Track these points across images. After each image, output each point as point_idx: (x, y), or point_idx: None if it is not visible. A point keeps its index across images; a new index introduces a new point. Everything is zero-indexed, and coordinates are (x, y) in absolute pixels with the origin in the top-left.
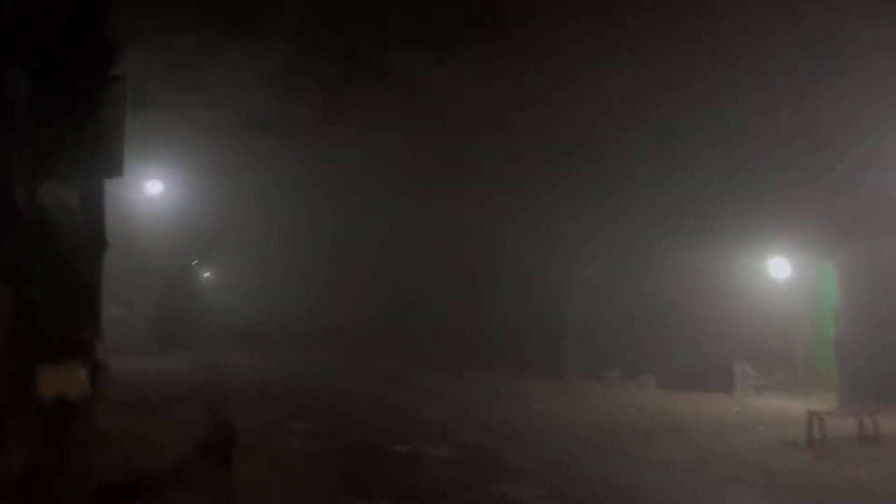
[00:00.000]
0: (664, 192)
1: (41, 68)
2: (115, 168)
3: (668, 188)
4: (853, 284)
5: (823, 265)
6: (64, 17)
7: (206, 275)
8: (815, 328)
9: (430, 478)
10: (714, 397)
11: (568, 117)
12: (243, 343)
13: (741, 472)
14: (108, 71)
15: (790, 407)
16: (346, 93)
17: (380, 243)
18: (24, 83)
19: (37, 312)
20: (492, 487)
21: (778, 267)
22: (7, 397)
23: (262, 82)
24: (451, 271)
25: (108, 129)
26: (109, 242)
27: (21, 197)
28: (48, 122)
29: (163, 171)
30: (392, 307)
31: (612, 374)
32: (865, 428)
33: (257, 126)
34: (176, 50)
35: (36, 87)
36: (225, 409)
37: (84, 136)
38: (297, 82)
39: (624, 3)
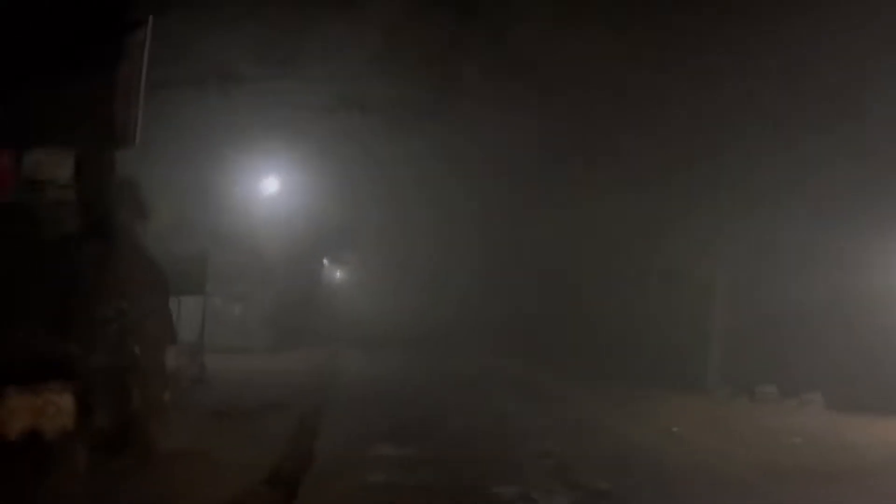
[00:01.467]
0: (829, 179)
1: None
2: (124, 134)
3: (832, 173)
4: None
5: None
6: None
7: (332, 272)
8: None
9: None
10: None
11: (710, 95)
12: (366, 343)
13: None
14: (117, 14)
15: None
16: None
17: (505, 239)
18: None
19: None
20: None
21: None
22: None
23: (391, 66)
24: (581, 270)
25: (115, 88)
26: (132, 224)
27: None
28: (31, 77)
29: (283, 165)
30: (519, 308)
31: (766, 391)
32: None
33: (380, 115)
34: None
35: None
36: (316, 423)
37: (79, 95)
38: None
39: None
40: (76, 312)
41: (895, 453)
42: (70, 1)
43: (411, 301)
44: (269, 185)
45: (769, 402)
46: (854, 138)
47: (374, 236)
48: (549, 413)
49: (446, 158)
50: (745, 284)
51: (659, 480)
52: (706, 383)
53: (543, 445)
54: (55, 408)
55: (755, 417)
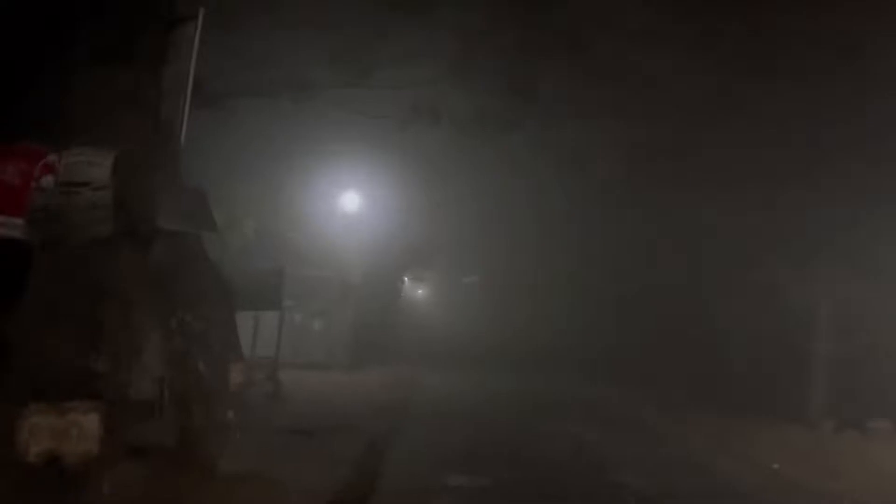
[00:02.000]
0: None
1: None
2: (168, 134)
3: None
4: None
5: None
6: None
7: (413, 289)
8: None
9: None
10: None
11: (818, 97)
12: (447, 363)
13: None
14: (167, 8)
15: None
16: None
17: (595, 257)
18: None
19: (22, 333)
20: None
21: None
22: None
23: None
24: (671, 289)
25: (161, 84)
26: (161, 229)
27: None
28: (73, 71)
29: (362, 180)
30: (608, 330)
31: (880, 426)
32: None
33: (459, 126)
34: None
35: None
36: (386, 445)
37: (122, 91)
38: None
39: None
40: (109, 324)
41: None
42: None
43: (497, 320)
44: (348, 200)
45: (882, 438)
46: None
47: (456, 253)
48: (634, 443)
49: (531, 171)
50: (852, 309)
51: None
52: (809, 414)
53: (624, 479)
54: (79, 430)
55: (867, 455)
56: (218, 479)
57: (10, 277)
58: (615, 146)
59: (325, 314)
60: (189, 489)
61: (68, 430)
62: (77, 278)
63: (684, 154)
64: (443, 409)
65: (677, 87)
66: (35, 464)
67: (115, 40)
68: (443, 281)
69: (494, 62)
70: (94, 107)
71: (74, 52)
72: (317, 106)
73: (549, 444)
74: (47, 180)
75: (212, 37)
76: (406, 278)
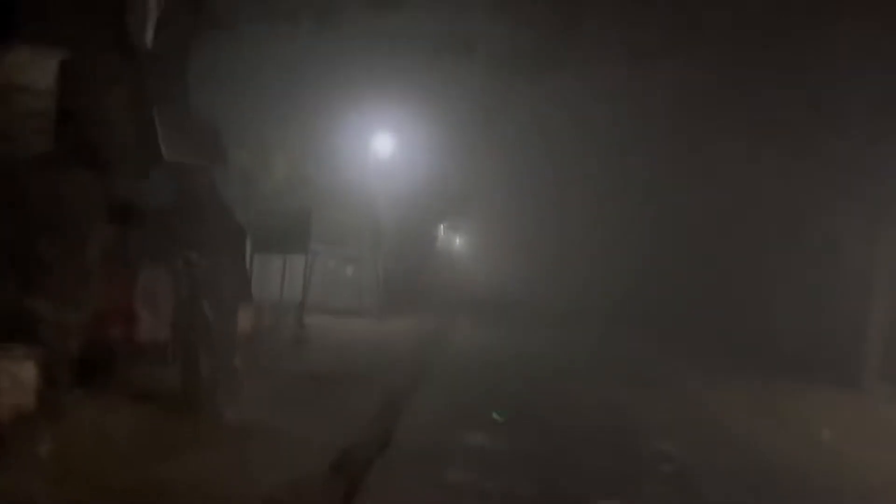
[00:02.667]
0: None
1: None
2: (129, 38)
3: None
4: None
5: None
6: None
7: (449, 238)
8: None
9: None
10: None
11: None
12: (480, 314)
13: None
14: None
15: None
16: None
17: (640, 207)
18: None
19: None
20: None
21: None
22: None
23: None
24: (721, 243)
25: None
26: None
27: None
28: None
29: (398, 122)
30: (647, 284)
31: None
32: None
33: (499, 64)
34: None
35: None
36: (408, 398)
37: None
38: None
39: None
40: (51, 260)
41: None
42: None
43: (534, 272)
44: (381, 143)
45: None
46: None
47: (495, 201)
48: (673, 409)
49: (573, 115)
50: None
51: None
52: (861, 381)
53: (662, 449)
54: (11, 380)
55: None
56: (222, 429)
57: None
58: (665, 89)
59: (357, 261)
60: (189, 439)
61: None
62: (11, 201)
63: (738, 97)
64: (469, 363)
65: (735, 27)
66: None
67: None
68: (479, 231)
69: None
70: (44, 3)
71: None
72: (342, 34)
73: (580, 407)
74: None
75: None
76: (442, 227)
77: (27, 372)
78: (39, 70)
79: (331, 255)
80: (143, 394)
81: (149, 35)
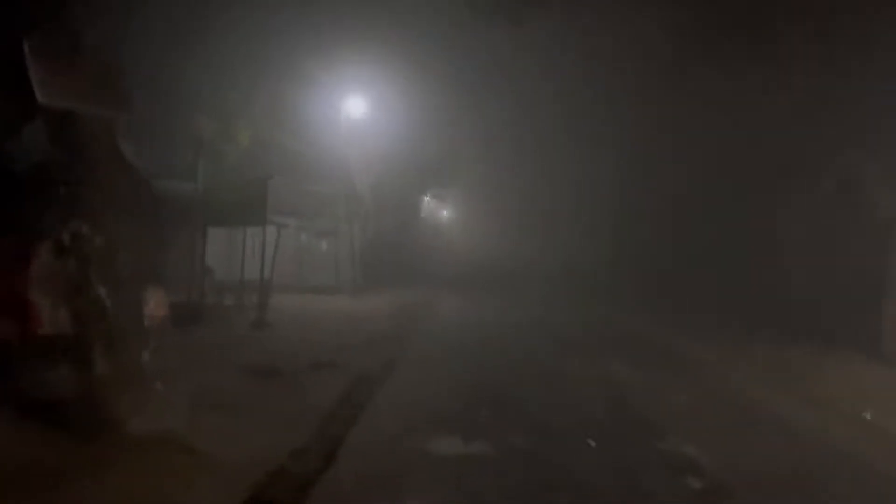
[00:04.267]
0: None
1: None
2: None
3: None
4: None
5: None
6: None
7: (434, 208)
8: None
9: None
10: None
11: None
12: (465, 287)
13: None
14: None
15: None
16: None
17: (632, 163)
18: None
19: None
20: None
21: None
22: None
23: None
24: (720, 192)
25: None
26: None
27: None
28: None
29: (372, 80)
30: (646, 248)
31: None
32: None
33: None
34: None
35: None
36: (371, 391)
37: None
38: None
39: None
40: None
41: None
42: None
43: (524, 241)
44: (356, 105)
45: None
46: None
47: (480, 169)
48: (683, 388)
49: (557, 68)
50: None
51: None
52: (882, 347)
53: (679, 446)
54: None
55: None
56: (123, 444)
57: None
58: (662, 31)
59: (332, 234)
60: (79, 460)
61: None
62: None
63: (742, 28)
64: (452, 341)
65: None
66: None
67: None
68: (466, 200)
69: None
70: None
71: None
72: None
73: (578, 393)
74: None
75: None
76: (426, 198)
77: None
78: None
79: (302, 228)
80: (33, 403)
81: None
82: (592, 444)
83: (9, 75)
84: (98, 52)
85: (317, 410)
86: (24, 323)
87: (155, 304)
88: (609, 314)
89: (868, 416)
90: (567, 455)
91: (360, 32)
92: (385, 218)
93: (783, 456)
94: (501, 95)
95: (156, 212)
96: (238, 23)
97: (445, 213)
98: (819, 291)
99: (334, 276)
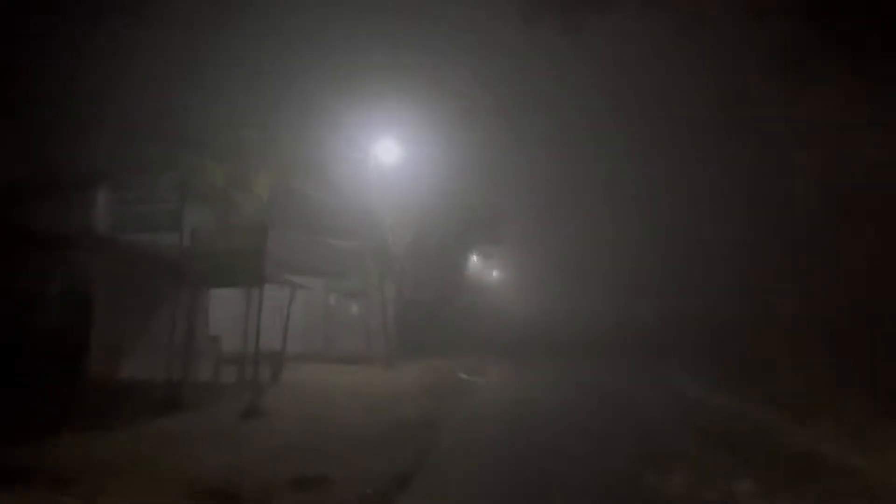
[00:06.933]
0: None
1: None
2: None
3: None
4: None
5: None
6: None
7: (481, 267)
8: None
9: None
10: None
11: None
12: (514, 352)
13: None
14: None
15: None
16: None
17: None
18: None
19: None
20: None
21: None
22: None
23: None
24: (816, 245)
25: None
26: None
27: None
28: None
29: (407, 124)
30: (727, 311)
31: None
32: None
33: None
34: None
35: None
36: None
37: None
38: None
39: None
40: None
41: None
42: None
43: (579, 302)
44: (389, 148)
45: None
46: None
47: (529, 222)
48: None
49: (621, 106)
50: None
51: None
52: None
53: None
54: None
55: None
56: None
57: None
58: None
59: (363, 295)
60: None
61: None
62: None
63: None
64: (493, 432)
65: None
66: None
67: None
68: (516, 257)
69: None
70: None
71: None
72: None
73: None
74: None
75: None
76: (473, 256)
77: None
78: None
79: (330, 289)
80: None
81: None
82: None
83: None
84: None
85: None
86: None
87: None
88: (692, 389)
89: None
90: None
91: (397, 68)
92: (424, 277)
93: None
94: (554, 142)
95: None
96: (255, 56)
97: (494, 273)
98: None
99: (365, 344)
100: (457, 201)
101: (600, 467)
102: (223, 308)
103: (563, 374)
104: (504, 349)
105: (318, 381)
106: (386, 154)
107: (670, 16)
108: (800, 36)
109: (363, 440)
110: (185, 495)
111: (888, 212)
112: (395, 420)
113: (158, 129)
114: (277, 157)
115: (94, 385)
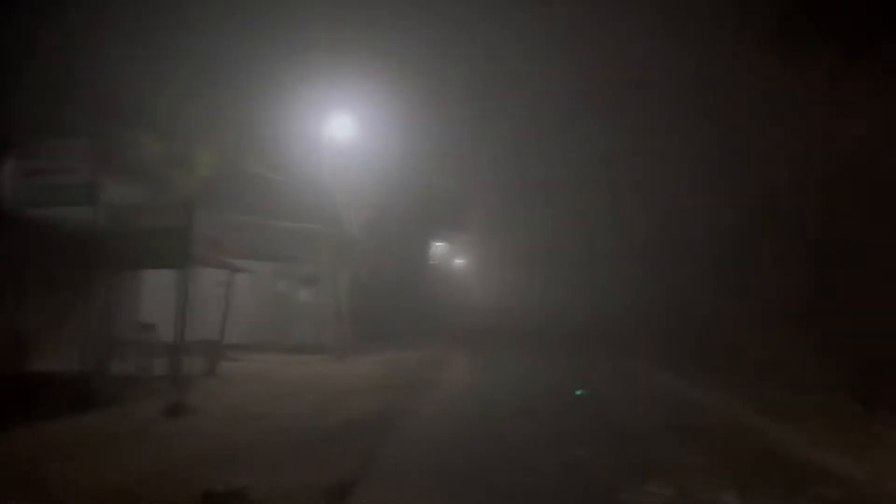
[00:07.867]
0: None
1: None
2: None
3: None
4: None
5: None
6: None
7: (444, 253)
8: None
9: None
10: None
11: None
12: (480, 344)
13: None
14: None
15: None
16: None
17: (677, 204)
18: None
19: None
20: None
21: None
22: None
23: None
24: (801, 231)
25: None
26: None
27: None
28: None
29: (365, 99)
30: (698, 296)
31: None
32: None
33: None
34: None
35: None
36: None
37: None
38: None
39: None
40: None
41: None
42: None
43: (546, 290)
44: (343, 124)
45: None
46: None
47: (495, 208)
48: None
49: (596, 91)
50: None
51: None
52: None
53: None
54: None
55: None
56: None
57: None
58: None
59: (316, 282)
60: None
61: None
62: None
63: None
64: (452, 435)
65: None
66: None
67: None
68: (482, 245)
69: None
70: None
71: None
72: None
73: None
74: None
75: None
76: (437, 242)
77: None
78: None
79: (279, 274)
80: None
81: None
82: None
83: None
84: None
85: None
86: None
87: None
88: (666, 383)
89: None
90: None
91: (352, 36)
92: (383, 263)
93: None
94: (523, 124)
95: None
96: (201, 27)
97: (459, 260)
98: None
99: (316, 333)
100: (419, 183)
101: (570, 481)
102: (163, 294)
103: (529, 369)
104: (467, 340)
105: (261, 373)
106: (341, 131)
107: None
108: (784, 13)
109: (302, 443)
110: None
111: (871, 201)
112: (342, 419)
113: (84, 96)
114: (222, 133)
115: None
